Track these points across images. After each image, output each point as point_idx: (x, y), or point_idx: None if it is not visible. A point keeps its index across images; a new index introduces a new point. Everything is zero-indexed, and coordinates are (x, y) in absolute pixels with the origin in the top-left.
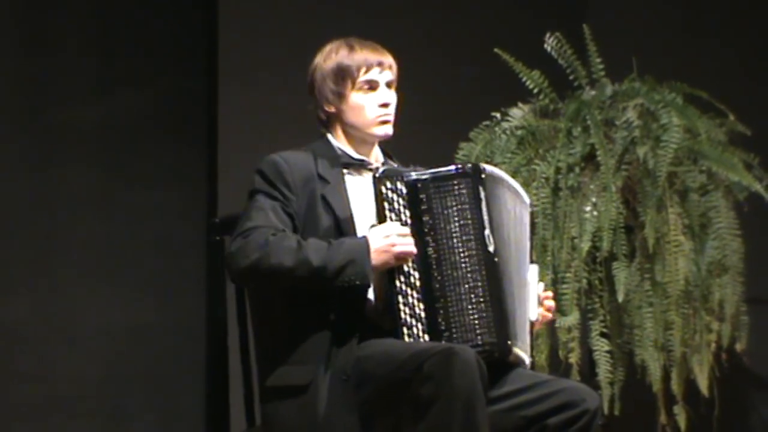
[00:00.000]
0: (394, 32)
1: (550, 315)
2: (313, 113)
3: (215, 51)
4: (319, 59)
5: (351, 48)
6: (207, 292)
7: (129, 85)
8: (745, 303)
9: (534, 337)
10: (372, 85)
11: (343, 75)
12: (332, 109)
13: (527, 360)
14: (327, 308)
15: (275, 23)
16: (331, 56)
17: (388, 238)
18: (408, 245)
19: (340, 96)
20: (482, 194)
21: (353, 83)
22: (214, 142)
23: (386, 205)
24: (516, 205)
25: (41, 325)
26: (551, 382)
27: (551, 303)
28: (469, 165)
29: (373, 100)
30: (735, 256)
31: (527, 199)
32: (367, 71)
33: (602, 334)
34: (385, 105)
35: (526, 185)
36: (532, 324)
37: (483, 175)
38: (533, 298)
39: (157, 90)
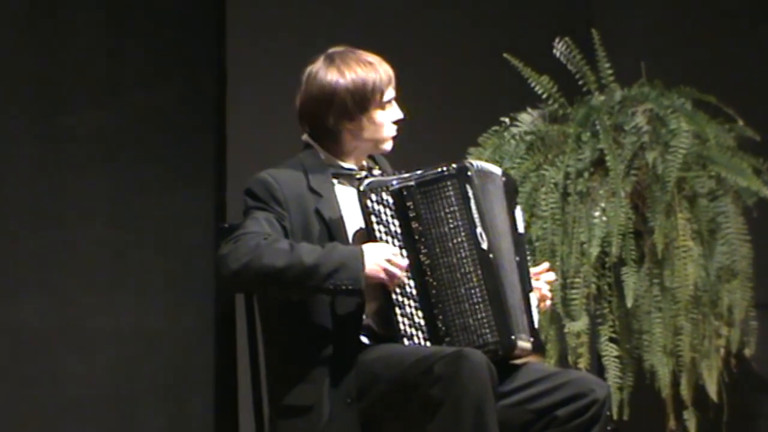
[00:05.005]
0: (402, 37)
1: (548, 293)
2: (313, 124)
3: (224, 55)
4: (334, 75)
5: (369, 64)
6: (216, 297)
7: (138, 89)
8: (754, 308)
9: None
10: (391, 102)
11: (371, 92)
12: (349, 126)
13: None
14: (324, 325)
15: (284, 28)
16: (351, 71)
17: (382, 255)
18: (399, 268)
19: (364, 112)
20: (470, 192)
21: (379, 101)
22: (222, 146)
23: (374, 218)
24: (501, 191)
25: (50, 329)
26: (559, 374)
27: (551, 276)
28: (454, 165)
29: (389, 118)
30: (744, 262)
31: (498, 171)
32: (388, 88)
33: (611, 340)
34: (397, 122)
35: (535, 190)
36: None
37: (469, 173)
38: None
39: (165, 94)
